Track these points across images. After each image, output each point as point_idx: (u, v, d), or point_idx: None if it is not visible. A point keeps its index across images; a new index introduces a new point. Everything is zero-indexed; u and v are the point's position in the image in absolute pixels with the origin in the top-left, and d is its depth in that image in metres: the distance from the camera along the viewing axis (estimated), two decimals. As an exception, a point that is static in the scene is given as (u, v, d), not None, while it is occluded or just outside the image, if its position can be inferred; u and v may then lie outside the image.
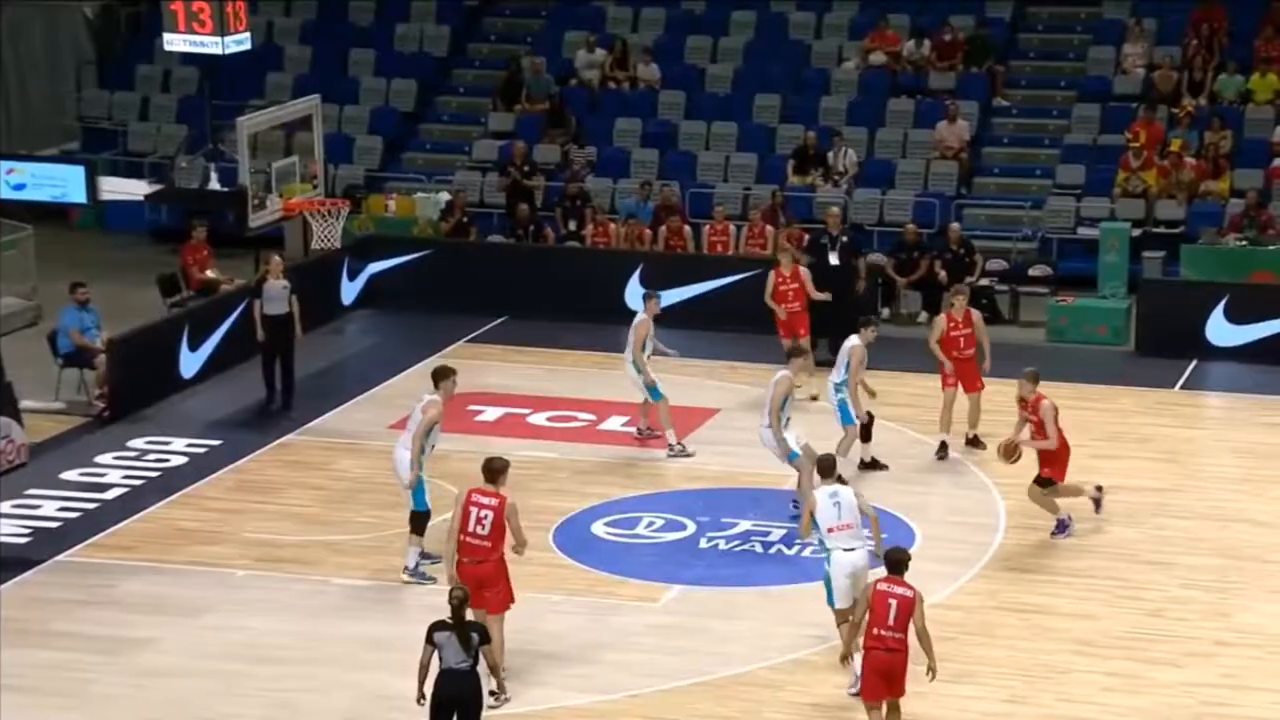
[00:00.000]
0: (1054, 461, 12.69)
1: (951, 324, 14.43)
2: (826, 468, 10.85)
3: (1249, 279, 17.96)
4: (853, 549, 10.47)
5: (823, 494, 10.60)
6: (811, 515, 10.58)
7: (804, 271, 15.84)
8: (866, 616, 9.61)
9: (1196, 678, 10.80)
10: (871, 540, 10.58)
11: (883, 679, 9.61)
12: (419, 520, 11.90)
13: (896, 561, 9.72)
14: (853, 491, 10.76)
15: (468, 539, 10.21)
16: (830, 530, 10.49)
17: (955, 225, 18.86)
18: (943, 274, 18.37)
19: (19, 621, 11.58)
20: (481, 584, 10.14)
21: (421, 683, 9.27)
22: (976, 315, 14.58)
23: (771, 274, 15.81)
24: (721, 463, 14.23)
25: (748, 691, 10.64)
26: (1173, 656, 11.05)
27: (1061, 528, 12.80)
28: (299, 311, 15.33)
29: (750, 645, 11.18)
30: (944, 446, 14.30)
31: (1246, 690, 10.68)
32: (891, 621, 9.51)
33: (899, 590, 9.60)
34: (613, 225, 19.42)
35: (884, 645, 9.56)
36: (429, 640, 9.23)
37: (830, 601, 10.59)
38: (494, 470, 10.31)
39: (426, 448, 11.78)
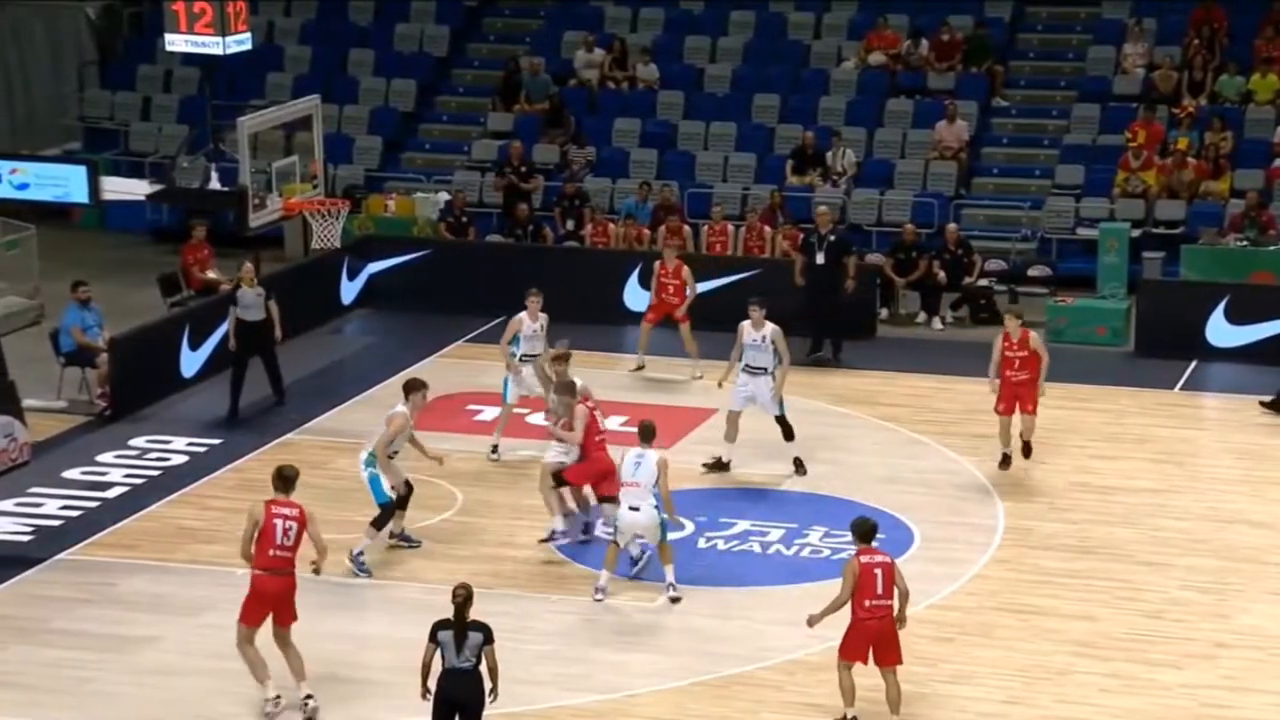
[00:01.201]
0: (576, 466, 12.33)
1: (1006, 344, 13.74)
2: (646, 433, 11.78)
3: (1249, 279, 17.95)
4: (637, 509, 11.56)
5: (630, 454, 11.66)
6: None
7: (686, 269, 16.25)
8: (851, 592, 9.92)
9: (1196, 679, 10.81)
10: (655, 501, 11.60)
11: (871, 646, 9.97)
12: (384, 514, 12.12)
13: (868, 531, 10.08)
14: (657, 462, 11.60)
15: (275, 551, 10.03)
16: (623, 484, 11.59)
17: (953, 226, 18.88)
18: (941, 274, 18.39)
19: (20, 619, 11.62)
20: (281, 598, 10.08)
21: (425, 680, 9.28)
22: (1035, 338, 13.78)
23: (656, 266, 16.49)
24: (720, 463, 14.26)
25: (746, 691, 10.66)
26: (1172, 658, 11.07)
27: (552, 537, 12.35)
28: (278, 316, 15.33)
29: (748, 645, 11.20)
30: (1006, 459, 13.81)
31: (1246, 692, 10.69)
32: (880, 590, 9.90)
33: (879, 559, 9.99)
34: (611, 225, 19.45)
35: (875, 615, 9.93)
36: (432, 639, 9.25)
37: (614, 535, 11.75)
38: (287, 479, 10.14)
39: (390, 454, 12.02)
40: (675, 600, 11.64)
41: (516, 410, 15.33)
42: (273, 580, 10.09)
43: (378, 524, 12.18)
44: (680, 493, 13.63)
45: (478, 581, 10.15)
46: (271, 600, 10.11)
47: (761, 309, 13.73)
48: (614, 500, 12.07)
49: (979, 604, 11.83)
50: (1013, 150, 20.92)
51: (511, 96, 21.86)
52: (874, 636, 9.96)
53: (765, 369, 13.61)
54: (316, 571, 10.26)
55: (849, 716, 10.15)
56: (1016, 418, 13.74)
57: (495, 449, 14.25)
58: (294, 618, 10.22)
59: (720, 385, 13.93)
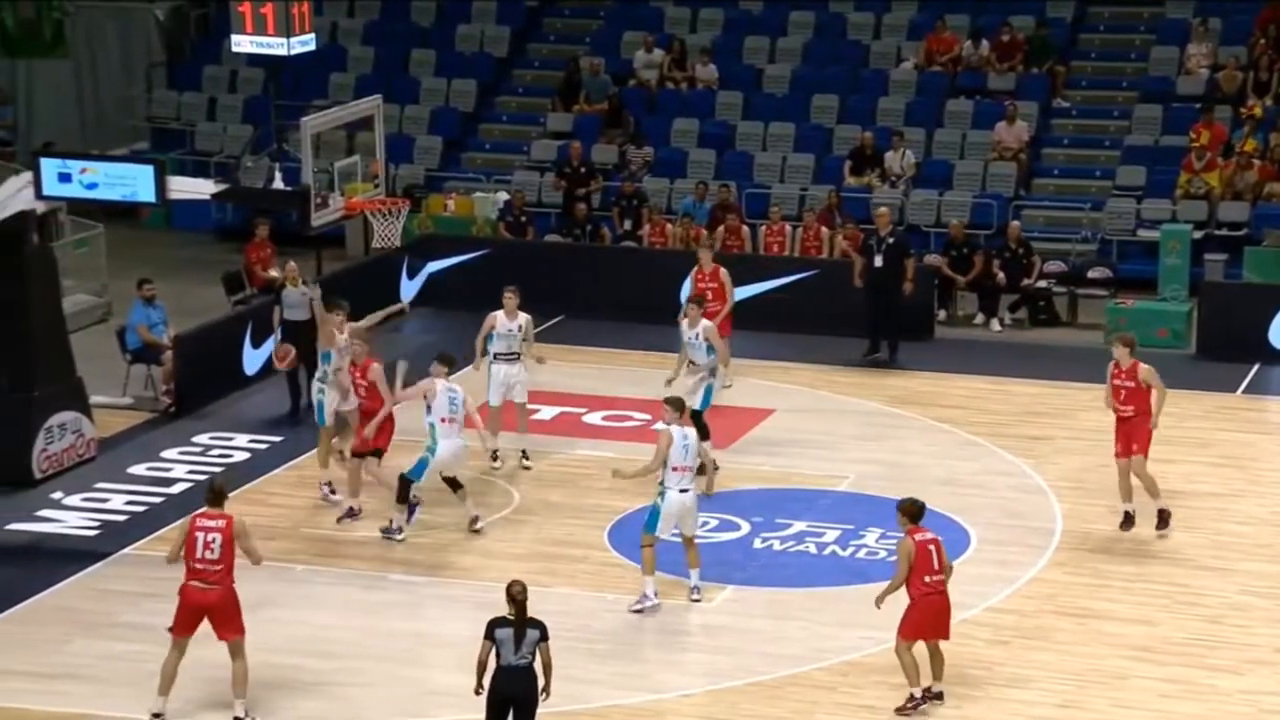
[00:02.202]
0: (379, 429, 12.70)
1: (1115, 372, 12.50)
2: (679, 406, 11.74)
3: (1313, 282, 17.74)
4: (686, 490, 11.56)
5: (678, 433, 11.56)
6: (666, 451, 11.44)
7: (724, 272, 15.39)
8: (908, 571, 10.18)
9: (1257, 685, 10.69)
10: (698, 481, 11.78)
11: (935, 620, 10.26)
12: (403, 487, 12.61)
13: (918, 511, 10.33)
14: (696, 436, 11.73)
15: (196, 564, 10.16)
16: (675, 469, 11.49)
17: (1015, 224, 18.75)
18: (1000, 275, 18.28)
19: (88, 613, 11.85)
20: (211, 610, 10.17)
21: (480, 676, 9.39)
22: (1147, 370, 12.45)
23: (692, 272, 15.50)
24: (775, 464, 14.26)
25: (801, 692, 10.68)
26: (1232, 663, 10.95)
27: (350, 514, 12.83)
28: (321, 317, 15.48)
29: (803, 646, 11.22)
30: (1128, 517, 12.65)
31: (1307, 699, 10.59)
32: (936, 566, 10.24)
33: (930, 535, 10.32)
34: (669, 226, 19.49)
35: (936, 589, 10.25)
36: (489, 636, 9.34)
37: (651, 528, 11.56)
38: (216, 492, 10.30)
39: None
40: (696, 601, 11.70)
41: (573, 410, 15.43)
42: (197, 592, 10.15)
43: (402, 493, 12.53)
44: (736, 493, 13.69)
45: (534, 580, 10.21)
46: (197, 611, 10.16)
47: (700, 308, 13.79)
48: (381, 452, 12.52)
49: (1036, 607, 11.77)
50: (1073, 151, 20.73)
51: (571, 97, 21.96)
52: (937, 610, 10.22)
53: (700, 364, 13.73)
54: (254, 562, 10.36)
55: (917, 694, 10.28)
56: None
57: (496, 454, 13.96)
58: (236, 631, 10.20)
59: (668, 384, 13.77)
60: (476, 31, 23.23)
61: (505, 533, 13.04)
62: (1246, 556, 12.53)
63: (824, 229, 19.06)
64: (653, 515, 11.62)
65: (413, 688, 10.79)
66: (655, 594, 11.65)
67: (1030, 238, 18.94)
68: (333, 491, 13.37)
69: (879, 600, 10.35)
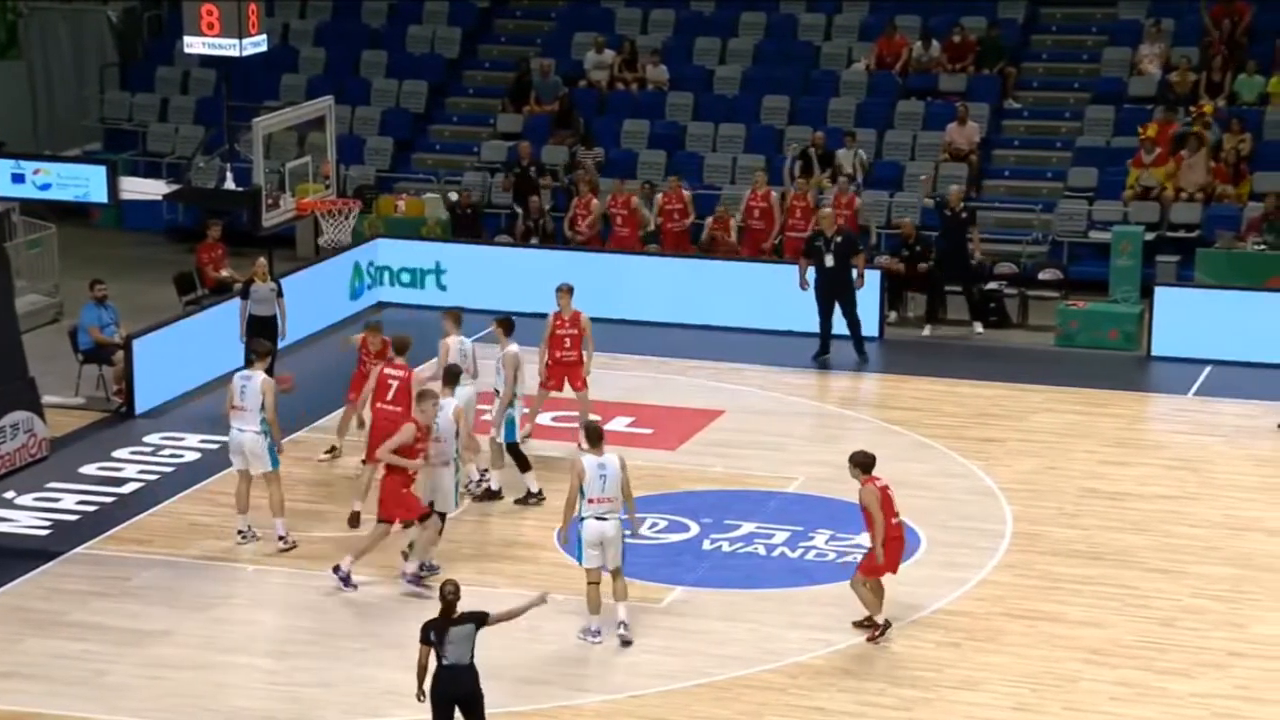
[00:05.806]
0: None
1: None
2: (596, 436, 11.19)
3: (1266, 284, 17.78)
4: (605, 519, 11.02)
5: (591, 463, 11.00)
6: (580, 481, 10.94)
7: (585, 317, 14.07)
8: (881, 521, 11.01)
9: (1209, 689, 10.73)
10: (625, 515, 11.13)
11: (895, 560, 11.22)
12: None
13: (871, 461, 11.18)
14: (619, 464, 11.04)
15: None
16: (591, 500, 10.96)
17: (956, 188, 18.28)
18: (931, 252, 17.82)
19: (38, 612, 11.72)
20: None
21: (421, 681, 9.33)
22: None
23: (550, 317, 14.13)
24: (726, 465, 14.27)
25: (750, 694, 10.68)
26: (1184, 666, 10.99)
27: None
28: (283, 313, 15.49)
29: (753, 648, 11.22)
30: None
31: (1260, 702, 10.59)
32: (895, 507, 11.17)
33: (884, 481, 11.18)
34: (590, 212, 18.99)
35: (897, 533, 11.19)
36: (425, 639, 9.28)
37: (580, 560, 11.21)
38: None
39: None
40: (627, 644, 11.07)
41: (522, 410, 15.31)
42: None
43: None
44: (686, 494, 13.69)
45: (482, 581, 10.19)
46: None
47: (503, 327, 13.18)
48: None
49: (986, 609, 11.79)
50: (1025, 152, 20.84)
51: (522, 98, 21.91)
52: (898, 550, 11.18)
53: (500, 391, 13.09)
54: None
55: (880, 620, 11.17)
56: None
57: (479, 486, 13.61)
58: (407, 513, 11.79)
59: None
60: (428, 32, 23.14)
61: (455, 533, 12.95)
62: (1198, 559, 12.56)
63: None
64: (578, 548, 11.11)
65: (364, 687, 10.72)
66: (597, 630, 11.12)
67: (981, 239, 18.95)
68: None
69: (878, 553, 11.01)
